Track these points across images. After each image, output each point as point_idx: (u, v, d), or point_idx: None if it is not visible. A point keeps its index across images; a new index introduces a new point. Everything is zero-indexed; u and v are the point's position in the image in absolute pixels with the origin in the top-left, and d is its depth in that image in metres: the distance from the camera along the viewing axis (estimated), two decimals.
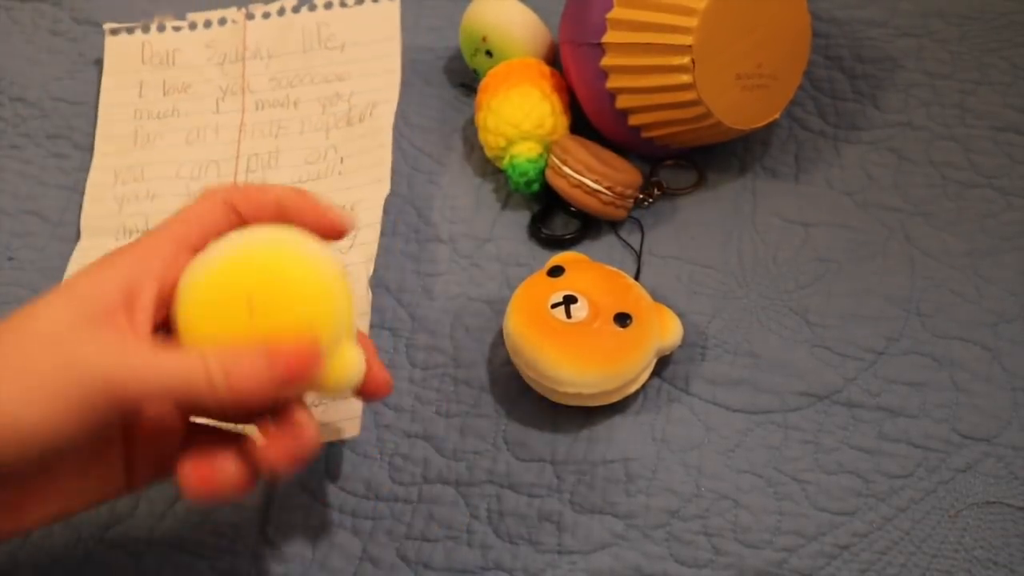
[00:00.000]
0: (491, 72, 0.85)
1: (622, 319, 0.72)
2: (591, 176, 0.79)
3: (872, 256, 0.79)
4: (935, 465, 0.70)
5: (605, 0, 0.78)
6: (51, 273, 0.84)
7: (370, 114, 0.88)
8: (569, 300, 0.72)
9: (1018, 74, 0.87)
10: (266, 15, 0.94)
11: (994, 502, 0.69)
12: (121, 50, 0.94)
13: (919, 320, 0.76)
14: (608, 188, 0.79)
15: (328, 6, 0.93)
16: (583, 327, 0.71)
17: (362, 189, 0.84)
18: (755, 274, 0.79)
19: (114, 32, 0.94)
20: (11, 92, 0.96)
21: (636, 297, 0.74)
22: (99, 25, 0.99)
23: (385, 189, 0.83)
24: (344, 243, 0.81)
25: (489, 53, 0.87)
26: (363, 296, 0.78)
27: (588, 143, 0.81)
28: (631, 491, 0.71)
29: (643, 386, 0.74)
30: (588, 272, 0.75)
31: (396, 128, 0.89)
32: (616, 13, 0.78)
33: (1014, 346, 0.74)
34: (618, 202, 0.80)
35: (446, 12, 0.95)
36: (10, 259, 0.86)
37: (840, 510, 0.69)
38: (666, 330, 0.74)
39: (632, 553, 0.69)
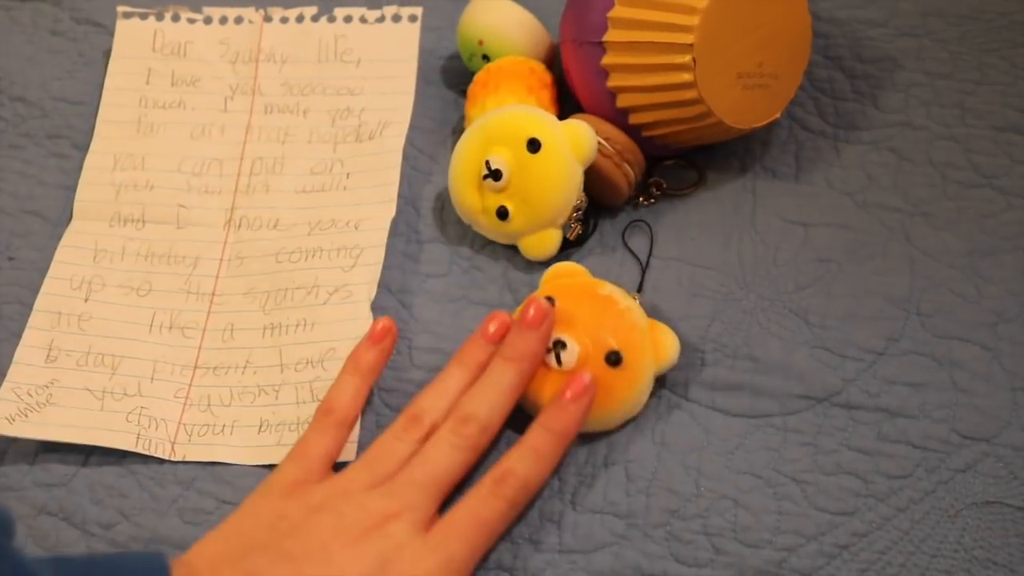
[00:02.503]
0: (475, 79, 0.86)
1: (613, 359, 0.71)
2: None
3: (872, 256, 0.79)
4: (934, 465, 0.70)
5: None
6: None
7: (380, 133, 0.87)
8: (559, 346, 0.72)
9: (1018, 74, 0.87)
10: (284, 20, 0.93)
11: (993, 502, 0.69)
12: (132, 34, 0.94)
13: (919, 320, 0.76)
14: (606, 139, 0.79)
15: (348, 20, 0.93)
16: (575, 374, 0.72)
17: (367, 208, 0.84)
18: (755, 275, 0.79)
19: (127, 16, 0.94)
20: (11, 92, 0.96)
21: (629, 325, 0.73)
22: (100, 25, 0.99)
23: (391, 212, 0.83)
24: (347, 262, 0.81)
25: (486, 57, 0.87)
26: (365, 317, 0.78)
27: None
28: (631, 491, 0.71)
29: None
30: (578, 301, 0.74)
31: None
32: (617, 12, 0.78)
33: (1014, 346, 0.75)
34: (616, 160, 0.80)
35: (446, 12, 0.95)
36: (10, 259, 0.86)
37: (839, 510, 0.69)
38: (662, 352, 0.73)
39: (632, 552, 0.69)
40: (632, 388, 0.72)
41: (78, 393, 0.78)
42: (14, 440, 0.77)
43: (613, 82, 0.79)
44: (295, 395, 0.77)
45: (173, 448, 0.76)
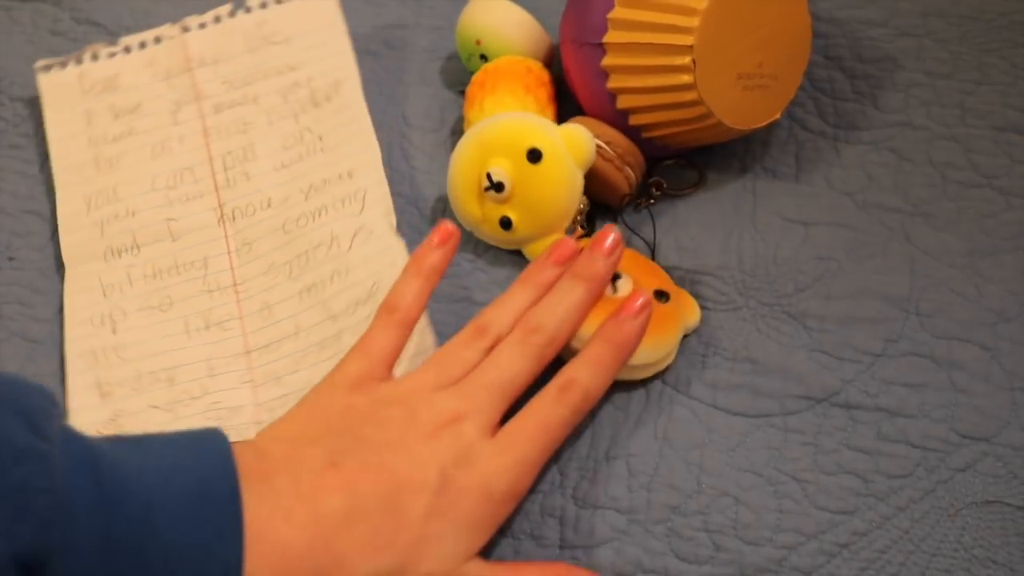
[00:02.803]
0: (473, 80, 0.86)
1: (661, 295, 0.74)
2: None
3: (872, 256, 0.79)
4: (934, 465, 0.71)
5: (606, 0, 0.78)
6: (51, 273, 0.85)
7: (336, 92, 0.88)
8: (615, 277, 0.74)
9: (1018, 74, 0.87)
10: (202, 25, 0.94)
11: (993, 501, 0.69)
12: (57, 85, 0.93)
13: (918, 320, 0.76)
14: (607, 143, 0.79)
15: (263, 6, 0.93)
16: None
17: (353, 158, 0.85)
18: (755, 275, 0.79)
19: (46, 69, 0.94)
20: (11, 92, 0.96)
21: (663, 277, 0.76)
22: (99, 25, 0.99)
23: (377, 153, 0.85)
24: (356, 207, 0.82)
25: (484, 57, 0.87)
26: (396, 245, 0.80)
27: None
28: (633, 486, 0.71)
29: (646, 384, 0.75)
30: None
31: (396, 128, 0.90)
32: (617, 13, 0.78)
33: (1013, 346, 0.75)
34: (617, 163, 0.80)
35: (445, 12, 0.95)
36: (10, 259, 0.86)
37: (840, 509, 0.69)
38: (690, 310, 0.76)
39: (633, 548, 0.69)
40: (677, 324, 0.74)
41: (146, 413, 0.78)
42: None
43: (613, 83, 0.79)
44: (355, 336, 0.76)
45: (259, 428, 0.76)
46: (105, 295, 0.83)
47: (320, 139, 0.87)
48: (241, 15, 0.93)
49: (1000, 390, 0.73)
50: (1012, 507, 0.69)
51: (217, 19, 0.94)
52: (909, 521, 0.69)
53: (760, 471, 0.71)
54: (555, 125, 0.79)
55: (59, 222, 0.87)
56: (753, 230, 0.81)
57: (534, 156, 0.77)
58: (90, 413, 0.78)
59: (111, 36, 0.96)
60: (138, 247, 0.85)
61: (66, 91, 0.93)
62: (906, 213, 0.81)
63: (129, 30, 0.97)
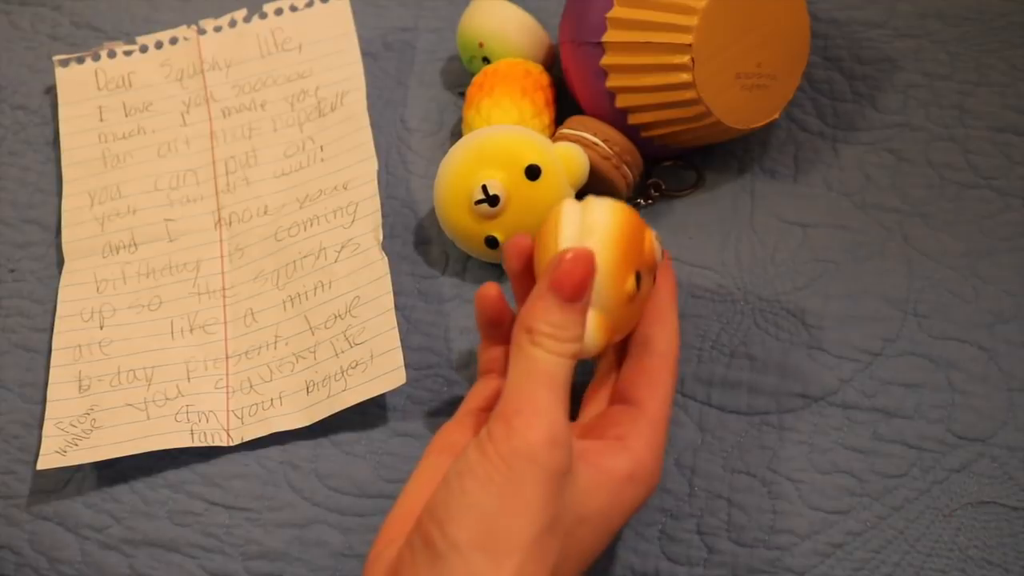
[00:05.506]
0: (473, 81, 0.86)
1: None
2: (587, 131, 0.80)
3: (870, 257, 0.79)
4: (930, 465, 0.70)
5: None
6: (53, 283, 0.85)
7: (341, 103, 0.89)
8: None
9: (1017, 75, 0.86)
10: (218, 28, 0.95)
11: (989, 502, 0.68)
12: (74, 79, 0.94)
13: (916, 321, 0.76)
14: (605, 141, 0.79)
15: (279, 12, 0.94)
16: None
17: (350, 169, 0.85)
18: (753, 275, 0.79)
19: (64, 63, 0.95)
20: (12, 101, 0.96)
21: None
22: (99, 30, 0.99)
23: (374, 165, 0.85)
24: (346, 220, 0.83)
25: (487, 60, 0.87)
26: (379, 259, 0.80)
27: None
28: None
29: None
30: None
31: (394, 131, 0.90)
32: (616, 12, 0.78)
33: (1011, 346, 0.74)
34: (615, 161, 0.80)
35: (445, 14, 0.95)
36: (11, 271, 0.86)
37: (834, 509, 0.69)
38: None
39: (625, 551, 0.69)
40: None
41: (121, 410, 0.78)
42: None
43: (612, 82, 0.79)
44: (332, 349, 0.78)
45: (229, 435, 0.77)
46: (98, 290, 0.84)
47: (321, 149, 0.87)
48: (257, 20, 0.94)
49: (997, 391, 0.72)
50: (1007, 508, 0.68)
51: (233, 23, 0.95)
52: (904, 521, 0.68)
53: (754, 471, 0.71)
54: (551, 143, 0.79)
55: (63, 215, 0.88)
56: (751, 232, 0.81)
57: (533, 173, 0.77)
58: (67, 406, 0.79)
59: (111, 41, 0.96)
60: (135, 245, 0.86)
61: (82, 86, 0.94)
62: (904, 214, 0.81)
63: (129, 35, 0.97)
